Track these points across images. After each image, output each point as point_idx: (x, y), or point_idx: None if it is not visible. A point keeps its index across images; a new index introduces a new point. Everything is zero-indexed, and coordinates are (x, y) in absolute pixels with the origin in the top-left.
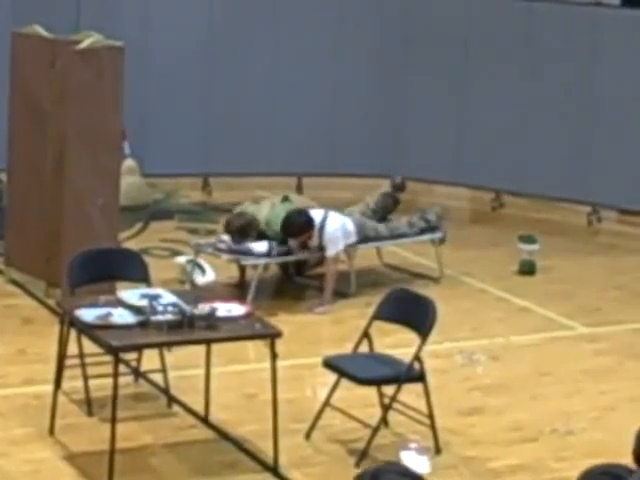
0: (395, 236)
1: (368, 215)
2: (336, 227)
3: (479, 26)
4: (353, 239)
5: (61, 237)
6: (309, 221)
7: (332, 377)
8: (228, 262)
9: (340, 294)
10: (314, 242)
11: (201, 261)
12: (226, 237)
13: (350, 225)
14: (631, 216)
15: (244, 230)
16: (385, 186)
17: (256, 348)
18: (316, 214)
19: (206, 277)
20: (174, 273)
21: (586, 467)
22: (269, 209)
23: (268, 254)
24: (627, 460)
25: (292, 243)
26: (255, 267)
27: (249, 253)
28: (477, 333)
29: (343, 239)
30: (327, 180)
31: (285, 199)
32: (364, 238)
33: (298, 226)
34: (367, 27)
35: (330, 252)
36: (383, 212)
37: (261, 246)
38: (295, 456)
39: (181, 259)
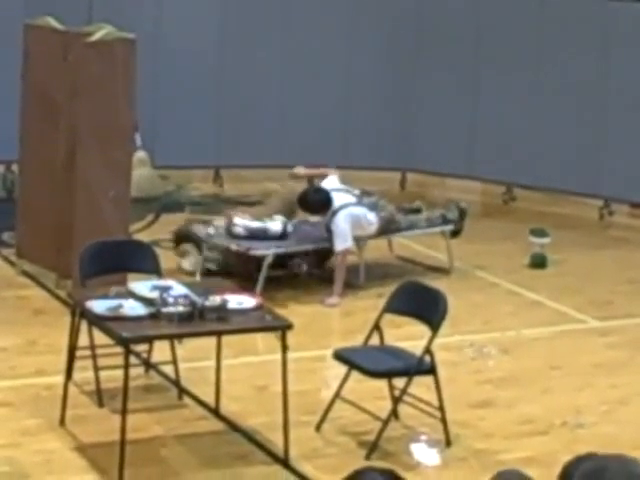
0: (410, 228)
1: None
2: (346, 221)
3: (492, 20)
4: (371, 232)
5: (72, 229)
6: (327, 202)
7: (342, 369)
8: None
9: (349, 285)
10: (325, 221)
11: (187, 246)
12: (239, 220)
13: (372, 217)
14: None
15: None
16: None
17: (267, 340)
18: (341, 198)
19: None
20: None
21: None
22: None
23: (283, 234)
24: (638, 454)
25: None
26: (264, 257)
27: (264, 234)
28: (488, 326)
29: (355, 232)
30: (340, 173)
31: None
32: (383, 232)
33: (315, 204)
34: (381, 21)
35: (339, 247)
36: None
37: (276, 225)
38: (305, 448)
39: (186, 247)
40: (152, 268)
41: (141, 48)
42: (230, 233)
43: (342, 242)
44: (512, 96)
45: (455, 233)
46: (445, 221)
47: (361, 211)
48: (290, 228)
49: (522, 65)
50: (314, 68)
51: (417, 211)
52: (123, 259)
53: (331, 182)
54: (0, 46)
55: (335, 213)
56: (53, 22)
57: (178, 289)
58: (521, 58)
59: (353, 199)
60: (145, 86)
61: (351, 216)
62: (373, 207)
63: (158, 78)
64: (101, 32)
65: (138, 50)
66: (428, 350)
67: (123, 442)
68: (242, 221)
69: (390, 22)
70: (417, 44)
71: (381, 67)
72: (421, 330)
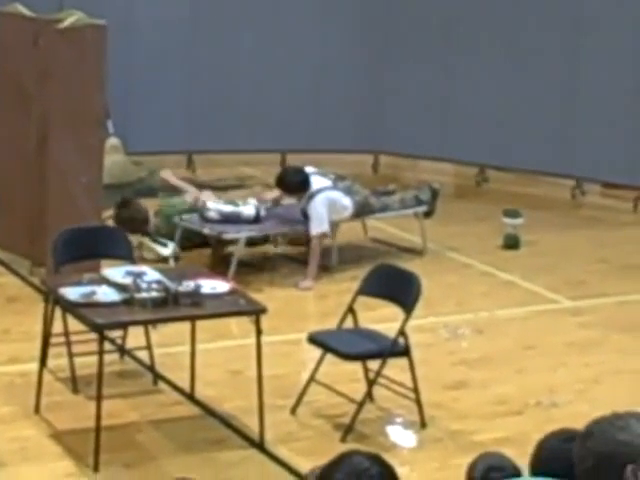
0: (383, 210)
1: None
2: (323, 205)
3: (464, 2)
4: (346, 216)
5: (45, 215)
6: (305, 183)
7: (317, 352)
8: (208, 236)
9: (322, 268)
10: (301, 204)
11: (159, 238)
12: (212, 204)
13: (347, 201)
14: (615, 189)
15: (132, 222)
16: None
17: (241, 324)
18: (318, 182)
19: (169, 248)
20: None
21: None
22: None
23: (257, 218)
24: None
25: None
26: (236, 241)
27: (237, 218)
28: (462, 307)
29: (330, 216)
30: (311, 156)
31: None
32: (358, 215)
33: (293, 185)
34: (352, 3)
35: (315, 231)
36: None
37: (249, 209)
38: (281, 432)
39: (139, 238)
40: (125, 254)
41: (112, 35)
42: (203, 217)
43: (318, 226)
44: (484, 78)
45: (428, 214)
46: (418, 202)
47: (337, 195)
48: (263, 212)
49: (494, 47)
50: (285, 52)
51: (392, 193)
52: (96, 245)
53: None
54: None
55: (312, 197)
56: (23, 9)
57: (151, 275)
58: (493, 40)
59: (329, 183)
60: (116, 73)
61: (328, 200)
62: (348, 191)
63: (129, 65)
64: (71, 18)
65: (109, 37)
66: (402, 332)
67: (98, 428)
68: (215, 205)
69: (362, 4)
70: (389, 26)
71: (353, 50)
72: (395, 312)
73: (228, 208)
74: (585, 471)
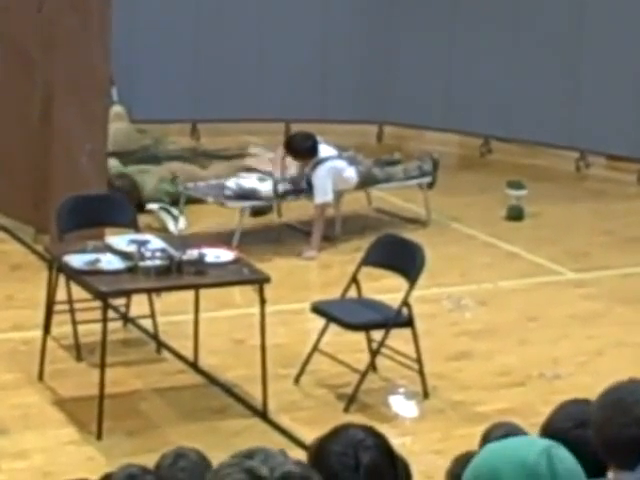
0: (387, 180)
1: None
2: (327, 174)
3: None
4: (350, 186)
5: (49, 183)
6: (313, 149)
7: (321, 322)
8: (212, 204)
9: (326, 238)
10: (307, 170)
11: (173, 209)
12: (231, 183)
13: (351, 172)
14: (619, 162)
15: (309, 152)
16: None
17: (244, 293)
18: (324, 150)
19: (178, 224)
20: (147, 220)
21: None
22: (155, 184)
23: (276, 194)
24: None
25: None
26: (243, 211)
27: (256, 196)
28: (465, 278)
29: (335, 186)
30: (316, 126)
31: (173, 179)
32: (362, 185)
33: (301, 149)
34: None
35: (318, 200)
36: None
37: (266, 186)
38: (284, 401)
39: (154, 206)
40: (129, 221)
41: (116, 2)
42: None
43: (322, 195)
44: (488, 49)
45: (430, 185)
46: (422, 173)
47: (342, 165)
48: (281, 187)
49: (498, 17)
50: (289, 21)
51: (397, 163)
52: (100, 213)
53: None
54: None
55: (317, 165)
56: None
57: (155, 243)
58: (497, 11)
59: (335, 152)
60: (122, 40)
61: (333, 169)
62: (352, 161)
63: (134, 32)
64: None
65: (113, 3)
66: (406, 302)
67: (102, 396)
68: (235, 183)
69: None
70: None
71: (357, 20)
72: (398, 283)
73: (248, 184)
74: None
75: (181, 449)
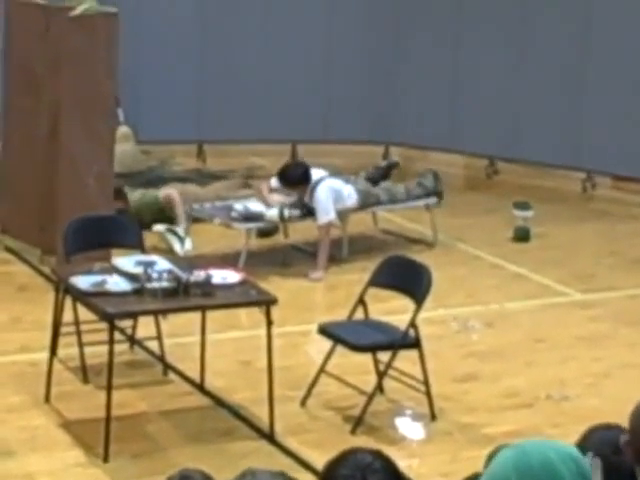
0: (392, 201)
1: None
2: (327, 194)
3: None
4: (352, 204)
5: (56, 204)
6: (306, 175)
7: (327, 344)
8: (218, 225)
9: (333, 259)
10: (306, 199)
11: (179, 229)
12: (239, 206)
13: (349, 190)
14: (625, 182)
15: (303, 179)
16: (378, 157)
17: (251, 315)
18: (315, 173)
19: (184, 246)
20: (153, 241)
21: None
22: (139, 196)
23: (282, 219)
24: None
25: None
26: (249, 232)
27: (262, 218)
28: (472, 300)
29: (335, 205)
30: (321, 147)
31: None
32: (364, 204)
33: (294, 177)
34: None
35: (322, 220)
36: (377, 179)
37: (272, 211)
38: (291, 423)
39: (160, 227)
40: (136, 243)
41: (123, 23)
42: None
43: (324, 215)
44: (494, 70)
45: (437, 202)
46: (425, 190)
47: (339, 183)
48: (287, 213)
49: (504, 38)
50: (296, 42)
51: (390, 168)
52: (107, 234)
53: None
54: None
55: (314, 188)
56: None
57: (162, 264)
58: (502, 32)
59: (327, 173)
60: (127, 61)
61: (330, 189)
62: (347, 180)
63: (140, 53)
64: (83, 6)
65: (120, 25)
66: (413, 324)
67: (108, 418)
68: (242, 205)
69: None
70: (398, 16)
71: (362, 41)
72: (405, 304)
73: (255, 208)
74: None
75: (186, 471)
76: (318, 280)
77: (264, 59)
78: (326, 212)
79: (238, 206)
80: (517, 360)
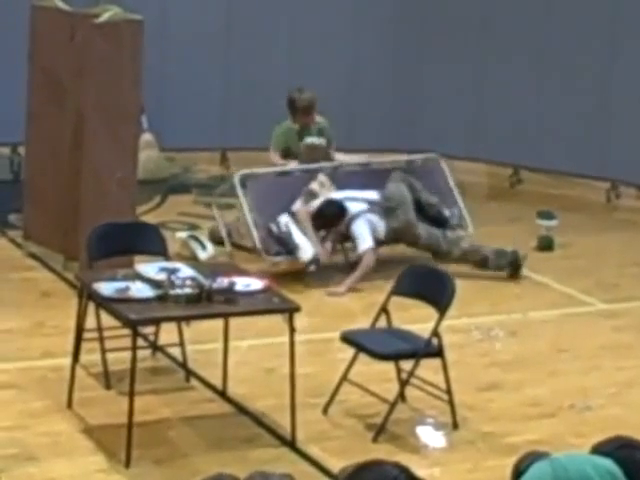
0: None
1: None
2: (363, 224)
3: (498, 1)
4: (381, 237)
5: (79, 211)
6: (341, 211)
7: (350, 352)
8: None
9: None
10: (341, 229)
11: (201, 236)
12: (283, 221)
13: (381, 226)
14: None
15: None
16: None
17: (274, 322)
18: (354, 206)
19: (207, 252)
20: (175, 248)
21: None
22: None
23: (312, 261)
24: None
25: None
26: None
27: (293, 251)
28: (495, 309)
29: (372, 233)
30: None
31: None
32: (398, 239)
33: (330, 217)
34: (386, 3)
35: (362, 247)
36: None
37: (306, 254)
38: (313, 431)
39: (182, 234)
40: (159, 250)
41: (147, 30)
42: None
43: (364, 242)
44: (518, 78)
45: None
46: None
47: (375, 218)
48: (318, 259)
49: (528, 47)
50: (319, 51)
51: (437, 208)
52: (130, 241)
53: (341, 193)
54: (7, 28)
55: (352, 219)
56: (60, 3)
57: (185, 271)
58: (527, 40)
59: (365, 206)
60: (152, 68)
61: (369, 221)
62: (384, 214)
63: (165, 60)
64: (108, 13)
65: (145, 32)
66: (435, 332)
67: (130, 424)
68: (286, 223)
69: (395, 4)
70: (422, 25)
71: (386, 50)
72: (428, 313)
73: (294, 237)
74: None
75: (220, 475)
76: (337, 295)
77: (289, 67)
78: (364, 239)
79: (282, 221)
80: (540, 369)
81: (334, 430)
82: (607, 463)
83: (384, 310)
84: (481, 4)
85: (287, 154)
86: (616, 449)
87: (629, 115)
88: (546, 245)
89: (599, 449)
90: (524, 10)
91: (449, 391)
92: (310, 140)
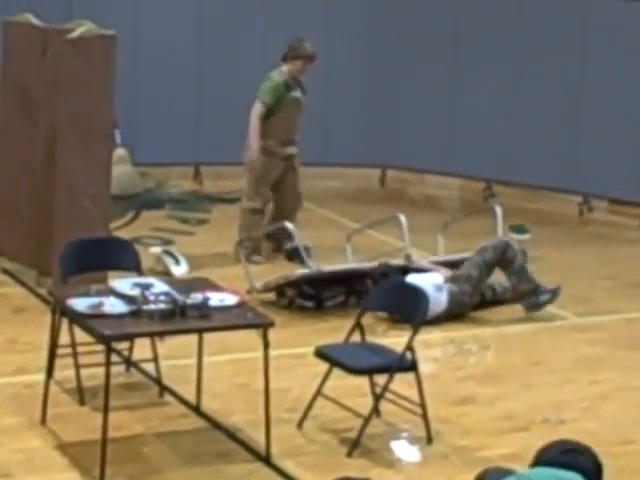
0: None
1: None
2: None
3: (470, 16)
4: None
5: (52, 226)
6: None
7: (324, 367)
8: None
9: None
10: None
11: (175, 251)
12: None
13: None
14: (622, 206)
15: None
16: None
17: (248, 337)
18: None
19: (180, 268)
20: (148, 263)
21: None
22: None
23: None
24: (618, 449)
25: None
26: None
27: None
28: (468, 323)
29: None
30: (319, 170)
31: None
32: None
33: None
34: (359, 18)
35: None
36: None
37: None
38: (287, 445)
39: (156, 249)
40: (133, 265)
41: (120, 45)
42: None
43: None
44: (491, 93)
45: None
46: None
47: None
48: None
49: (501, 62)
50: None
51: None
52: (104, 257)
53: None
54: None
55: None
56: (32, 19)
57: (159, 286)
58: (500, 55)
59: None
60: (124, 83)
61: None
62: (439, 288)
63: (137, 75)
64: (81, 29)
65: (117, 47)
66: (409, 347)
67: (104, 440)
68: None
69: (369, 19)
70: (395, 41)
71: (359, 65)
72: (402, 327)
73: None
74: None
75: None
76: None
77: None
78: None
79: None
80: (514, 383)
81: (309, 445)
82: (576, 478)
83: (358, 325)
84: (454, 22)
85: (271, 112)
86: (561, 454)
87: (599, 129)
88: None
89: (544, 456)
90: (497, 27)
91: (423, 405)
92: (296, 95)
